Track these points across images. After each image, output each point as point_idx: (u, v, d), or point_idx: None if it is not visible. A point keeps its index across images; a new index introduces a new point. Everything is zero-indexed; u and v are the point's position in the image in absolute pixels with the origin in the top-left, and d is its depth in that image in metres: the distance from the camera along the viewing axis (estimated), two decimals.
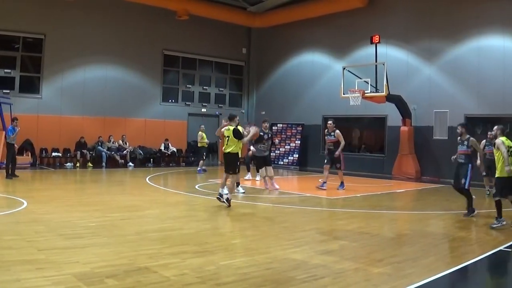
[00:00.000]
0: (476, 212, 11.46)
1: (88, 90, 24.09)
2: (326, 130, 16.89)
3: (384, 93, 20.20)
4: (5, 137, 17.16)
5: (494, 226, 9.79)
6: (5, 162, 17.43)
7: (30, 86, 23.05)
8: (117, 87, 25.05)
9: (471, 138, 11.66)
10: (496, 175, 10.07)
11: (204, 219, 10.19)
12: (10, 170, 16.82)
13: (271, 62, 29.61)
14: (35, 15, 22.42)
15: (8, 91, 21.95)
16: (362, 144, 26.51)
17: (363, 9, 24.11)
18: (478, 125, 21.20)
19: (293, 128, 27.48)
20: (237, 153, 12.24)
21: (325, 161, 16.50)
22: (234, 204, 12.05)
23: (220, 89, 29.89)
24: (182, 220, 10.05)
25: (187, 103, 28.11)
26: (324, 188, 15.86)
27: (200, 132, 21.83)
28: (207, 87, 29.23)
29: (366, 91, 20.63)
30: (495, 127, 10.42)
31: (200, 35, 27.96)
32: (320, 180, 16.94)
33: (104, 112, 24.48)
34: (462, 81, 20.97)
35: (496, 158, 10.11)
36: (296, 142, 27.17)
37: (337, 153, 15.84)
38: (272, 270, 6.41)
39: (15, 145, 17.39)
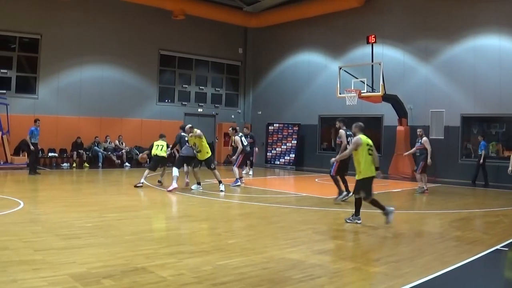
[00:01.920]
0: (345, 193, 12.68)
1: (84, 90, 24.07)
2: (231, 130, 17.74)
3: (380, 93, 20.24)
4: (30, 137, 18.54)
5: (348, 221, 9.91)
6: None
7: (27, 86, 23.03)
8: (113, 87, 25.03)
9: (341, 130, 13.16)
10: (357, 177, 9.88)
11: (201, 219, 10.19)
12: (33, 167, 18.49)
13: (267, 62, 29.61)
14: (31, 15, 22.39)
15: (5, 91, 21.92)
16: None
17: (360, 9, 24.14)
18: (474, 124, 21.27)
19: (290, 128, 27.49)
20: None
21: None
22: (230, 204, 12.08)
23: (217, 89, 29.88)
24: (179, 220, 10.05)
25: (183, 103, 28.09)
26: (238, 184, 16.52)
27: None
28: (203, 87, 29.21)
29: (362, 91, 20.66)
30: (353, 125, 10.38)
31: (196, 35, 27.97)
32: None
33: (100, 112, 24.47)
34: (458, 81, 21.01)
35: (355, 159, 9.94)
36: (292, 142, 27.17)
37: (234, 157, 16.94)
38: (269, 270, 6.41)
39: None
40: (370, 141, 9.90)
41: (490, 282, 6.49)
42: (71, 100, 23.73)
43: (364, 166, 9.72)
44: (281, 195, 14.64)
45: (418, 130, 16.65)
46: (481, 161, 18.93)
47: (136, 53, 25.80)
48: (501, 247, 8.10)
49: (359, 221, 9.83)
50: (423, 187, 15.87)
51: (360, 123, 10.33)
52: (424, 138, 16.00)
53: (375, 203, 9.81)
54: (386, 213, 9.68)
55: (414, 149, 16.59)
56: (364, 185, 9.80)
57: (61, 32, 23.17)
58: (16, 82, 22.59)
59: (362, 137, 9.86)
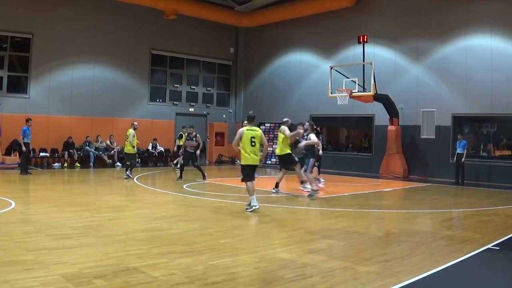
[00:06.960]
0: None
1: (75, 90, 23.99)
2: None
3: (371, 93, 20.29)
4: (22, 137, 18.55)
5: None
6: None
7: (18, 86, 22.92)
8: (104, 87, 24.96)
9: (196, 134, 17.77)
10: None
11: (192, 219, 10.18)
12: (25, 167, 18.54)
13: (258, 62, 29.63)
14: (23, 15, 22.30)
15: None
16: (350, 144, 26.61)
17: (351, 8, 24.20)
18: (465, 124, 21.37)
19: None
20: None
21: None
22: (222, 204, 12.08)
23: (208, 88, 29.86)
24: (170, 220, 10.04)
25: (174, 102, 28.06)
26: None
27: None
28: (194, 87, 29.18)
29: (353, 91, 20.71)
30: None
31: (188, 35, 27.96)
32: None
33: (91, 112, 24.41)
34: (449, 81, 21.10)
35: None
36: None
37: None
38: (260, 270, 6.42)
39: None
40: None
41: (482, 281, 6.52)
42: (62, 100, 23.65)
43: None
44: (273, 194, 14.63)
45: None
46: (463, 160, 19.01)
47: (128, 53, 25.75)
48: (492, 246, 8.13)
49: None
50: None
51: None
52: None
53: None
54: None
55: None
56: None
57: (52, 31, 23.09)
58: (8, 82, 22.47)
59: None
